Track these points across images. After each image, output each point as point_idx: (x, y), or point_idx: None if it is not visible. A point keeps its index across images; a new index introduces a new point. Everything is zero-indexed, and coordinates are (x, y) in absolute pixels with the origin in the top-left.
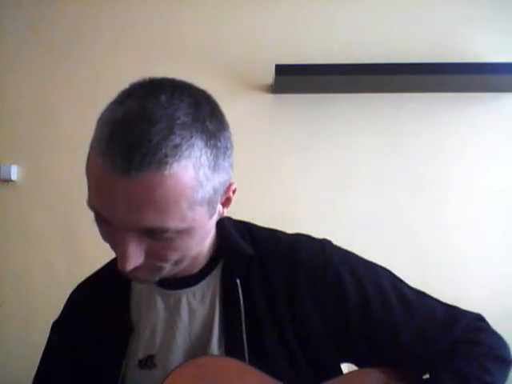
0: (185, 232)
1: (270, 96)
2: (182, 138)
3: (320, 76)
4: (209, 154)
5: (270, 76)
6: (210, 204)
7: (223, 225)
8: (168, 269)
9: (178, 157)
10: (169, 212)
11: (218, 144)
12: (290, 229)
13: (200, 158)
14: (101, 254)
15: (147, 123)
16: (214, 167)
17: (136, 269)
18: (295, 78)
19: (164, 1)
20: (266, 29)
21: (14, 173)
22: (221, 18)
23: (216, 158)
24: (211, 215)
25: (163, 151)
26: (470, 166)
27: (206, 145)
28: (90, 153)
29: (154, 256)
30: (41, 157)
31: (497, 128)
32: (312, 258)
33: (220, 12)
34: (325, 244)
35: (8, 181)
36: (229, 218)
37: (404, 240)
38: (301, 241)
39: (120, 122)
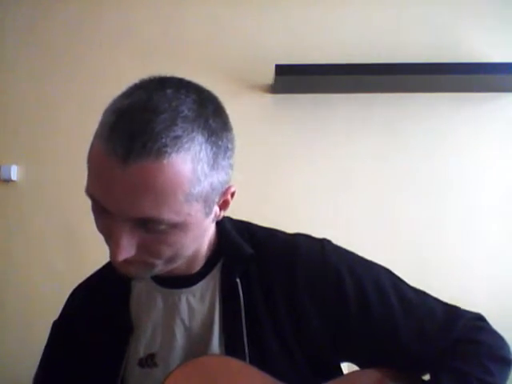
0: (179, 227)
1: (270, 96)
2: (184, 131)
3: (320, 76)
4: (208, 151)
5: (270, 76)
6: (207, 202)
7: (223, 224)
8: (160, 266)
9: (177, 148)
10: (165, 202)
11: (219, 143)
12: (289, 228)
13: (199, 152)
14: (101, 253)
15: (151, 113)
16: (213, 165)
17: (127, 263)
18: (295, 78)
19: (164, 1)
20: (266, 29)
21: (14, 173)
22: (221, 19)
23: (216, 155)
24: (207, 214)
25: (163, 140)
26: (470, 165)
27: (207, 141)
28: (93, 140)
29: (146, 250)
30: (41, 157)
31: (497, 128)
32: (311, 257)
33: (220, 12)
34: (324, 244)
35: (8, 181)
36: (228, 218)
37: (404, 239)
38: (300, 240)
39: (125, 111)
